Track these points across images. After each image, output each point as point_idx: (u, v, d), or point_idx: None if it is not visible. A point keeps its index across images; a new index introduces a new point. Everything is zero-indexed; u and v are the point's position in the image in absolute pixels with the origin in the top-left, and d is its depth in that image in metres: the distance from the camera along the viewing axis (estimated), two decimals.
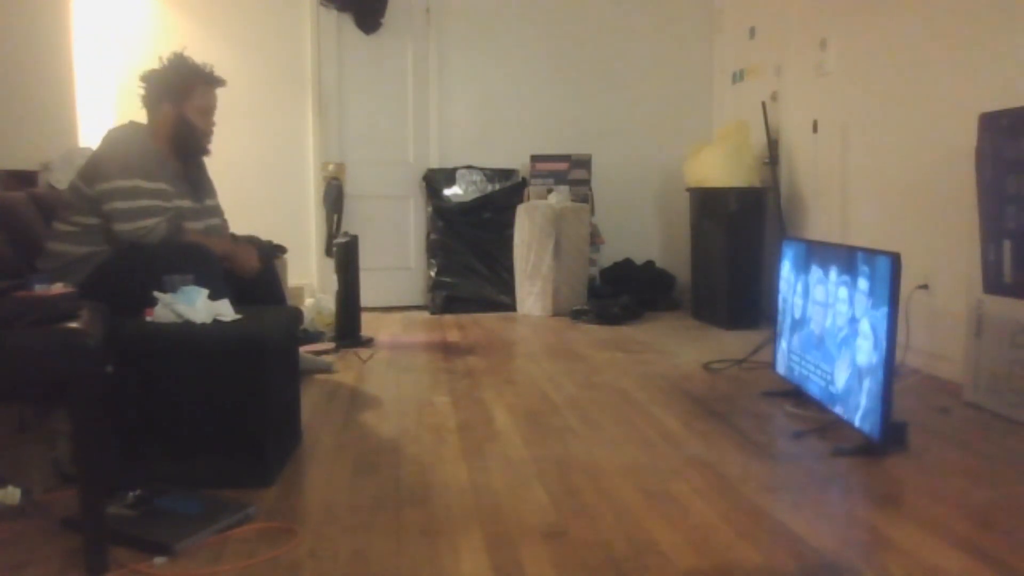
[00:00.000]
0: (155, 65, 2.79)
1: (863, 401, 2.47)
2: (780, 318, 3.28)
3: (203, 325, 2.20)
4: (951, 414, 2.90)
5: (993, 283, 2.89)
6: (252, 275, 2.88)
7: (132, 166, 2.61)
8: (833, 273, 2.75)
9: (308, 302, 4.82)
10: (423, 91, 5.66)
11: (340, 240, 4.39)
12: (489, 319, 5.17)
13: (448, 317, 5.27)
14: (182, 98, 2.76)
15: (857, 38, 4.20)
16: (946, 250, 3.40)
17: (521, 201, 5.48)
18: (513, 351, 4.20)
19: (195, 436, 2.18)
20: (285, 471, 2.32)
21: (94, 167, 2.64)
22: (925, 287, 3.48)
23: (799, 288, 3.08)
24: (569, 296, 5.21)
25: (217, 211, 3.00)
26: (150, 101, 2.78)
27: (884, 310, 2.37)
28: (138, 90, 2.79)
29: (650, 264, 5.82)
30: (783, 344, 3.24)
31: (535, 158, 5.59)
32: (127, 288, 2.32)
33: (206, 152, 2.89)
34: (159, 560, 1.74)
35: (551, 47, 5.76)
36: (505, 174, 5.66)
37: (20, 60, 3.63)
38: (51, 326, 1.76)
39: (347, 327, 4.25)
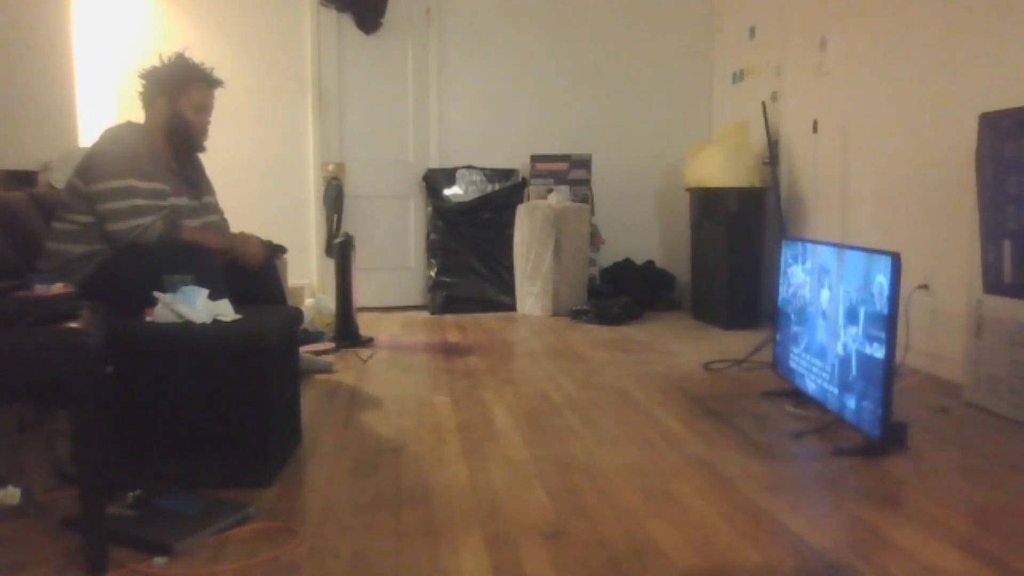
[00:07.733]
0: (156, 63, 2.80)
1: (863, 401, 2.47)
2: (780, 318, 3.29)
3: (203, 325, 2.20)
4: (951, 414, 2.90)
5: (993, 283, 2.89)
6: (257, 264, 2.88)
7: (126, 166, 2.61)
8: (833, 273, 2.75)
9: (308, 302, 4.82)
10: (423, 91, 5.66)
11: (337, 240, 4.40)
12: (489, 319, 5.17)
13: (448, 317, 5.27)
14: (177, 94, 2.76)
15: (857, 38, 4.20)
16: (946, 250, 3.40)
17: (521, 201, 5.48)
18: (513, 351, 4.20)
19: (195, 436, 2.18)
20: (285, 471, 2.32)
21: (89, 166, 2.63)
22: (925, 287, 3.48)
23: (799, 288, 3.08)
24: (569, 296, 5.21)
25: (215, 208, 3.00)
26: (147, 97, 2.79)
27: (884, 310, 2.37)
28: (137, 87, 2.80)
29: (650, 264, 5.82)
30: (783, 344, 3.24)
31: (535, 158, 5.59)
32: (127, 288, 2.32)
33: (201, 148, 2.89)
34: (159, 560, 1.75)
35: (551, 47, 5.76)
36: (505, 174, 5.66)
37: (20, 60, 3.63)
38: (51, 326, 1.76)
39: (345, 327, 4.25)
